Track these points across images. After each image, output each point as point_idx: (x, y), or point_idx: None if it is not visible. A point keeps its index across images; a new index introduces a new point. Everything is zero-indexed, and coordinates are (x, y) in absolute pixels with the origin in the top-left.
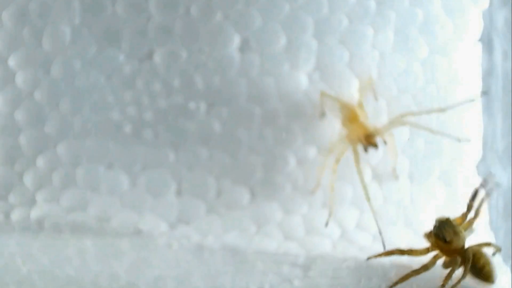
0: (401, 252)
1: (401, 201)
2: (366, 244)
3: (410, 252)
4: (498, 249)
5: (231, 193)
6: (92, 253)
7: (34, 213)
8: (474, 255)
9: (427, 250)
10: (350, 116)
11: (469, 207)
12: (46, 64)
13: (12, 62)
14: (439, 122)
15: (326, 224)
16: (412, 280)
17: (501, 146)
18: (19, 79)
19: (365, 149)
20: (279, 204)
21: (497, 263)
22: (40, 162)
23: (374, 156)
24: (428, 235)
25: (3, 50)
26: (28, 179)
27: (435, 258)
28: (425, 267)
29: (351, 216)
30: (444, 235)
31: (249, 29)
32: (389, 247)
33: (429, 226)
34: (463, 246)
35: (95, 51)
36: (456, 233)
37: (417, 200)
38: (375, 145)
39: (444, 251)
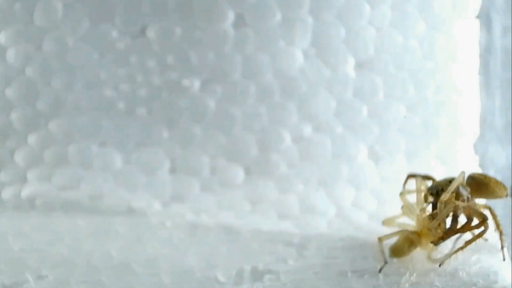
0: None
1: (398, 179)
2: (362, 222)
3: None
4: None
5: (225, 171)
6: (84, 232)
7: (25, 192)
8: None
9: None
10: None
11: None
12: (38, 40)
13: (3, 38)
14: (436, 100)
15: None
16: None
17: (499, 124)
18: (11, 55)
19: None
20: (274, 182)
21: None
22: (32, 139)
23: (370, 134)
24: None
25: None
26: (20, 157)
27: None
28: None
29: (347, 195)
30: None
31: (243, 5)
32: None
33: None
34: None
35: (88, 26)
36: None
37: None
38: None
39: None
